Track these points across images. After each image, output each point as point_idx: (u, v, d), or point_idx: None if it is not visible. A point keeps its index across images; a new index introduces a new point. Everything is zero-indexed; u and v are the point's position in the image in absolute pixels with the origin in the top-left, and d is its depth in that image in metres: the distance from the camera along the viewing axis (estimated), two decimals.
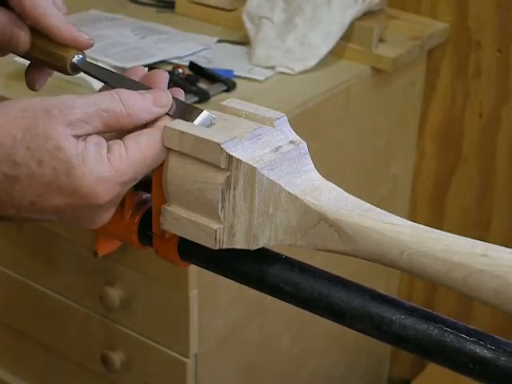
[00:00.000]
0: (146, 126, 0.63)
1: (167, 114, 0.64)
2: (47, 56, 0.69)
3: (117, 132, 0.63)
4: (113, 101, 0.61)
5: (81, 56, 0.68)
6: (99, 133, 0.61)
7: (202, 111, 0.63)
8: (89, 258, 1.49)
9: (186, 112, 0.64)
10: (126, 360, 1.53)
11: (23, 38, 0.69)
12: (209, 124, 0.63)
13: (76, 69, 0.68)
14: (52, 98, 0.61)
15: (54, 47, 0.68)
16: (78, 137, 0.59)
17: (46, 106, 0.59)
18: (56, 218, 0.62)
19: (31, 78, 0.73)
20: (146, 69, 0.68)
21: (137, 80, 0.67)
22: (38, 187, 0.59)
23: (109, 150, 0.60)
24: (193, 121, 0.63)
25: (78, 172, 0.59)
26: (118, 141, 0.61)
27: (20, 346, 1.73)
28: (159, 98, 0.63)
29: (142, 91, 0.63)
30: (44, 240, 1.57)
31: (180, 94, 0.66)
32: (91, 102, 0.60)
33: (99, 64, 0.70)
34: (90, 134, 0.60)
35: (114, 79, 0.67)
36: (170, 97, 0.64)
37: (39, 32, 0.69)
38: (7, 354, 1.77)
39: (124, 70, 1.45)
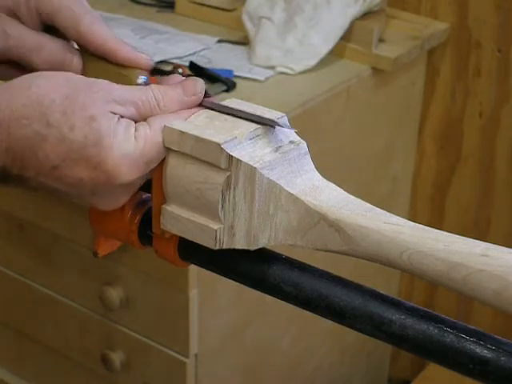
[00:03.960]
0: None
1: (205, 106, 0.65)
2: (109, 78, 0.69)
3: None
4: (147, 94, 0.64)
5: (145, 77, 0.68)
6: (132, 118, 0.63)
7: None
8: (89, 258, 1.49)
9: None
10: (126, 360, 1.53)
11: (76, 63, 0.70)
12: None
13: None
14: (93, 78, 0.63)
15: (115, 69, 0.69)
16: (113, 113, 0.61)
17: (89, 82, 0.62)
18: (74, 190, 0.62)
19: None
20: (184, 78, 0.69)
21: None
22: (65, 151, 0.60)
23: (136, 129, 0.62)
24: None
25: (107, 144, 0.60)
26: (143, 122, 0.63)
27: (20, 346, 1.73)
28: (189, 88, 0.65)
29: (174, 84, 0.66)
30: (44, 240, 1.57)
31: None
32: (129, 92, 0.63)
33: None
34: (123, 117, 0.62)
35: None
36: (201, 85, 0.65)
37: (92, 55, 0.69)
38: (7, 354, 1.77)
39: None
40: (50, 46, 0.69)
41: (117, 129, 0.61)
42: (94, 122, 0.60)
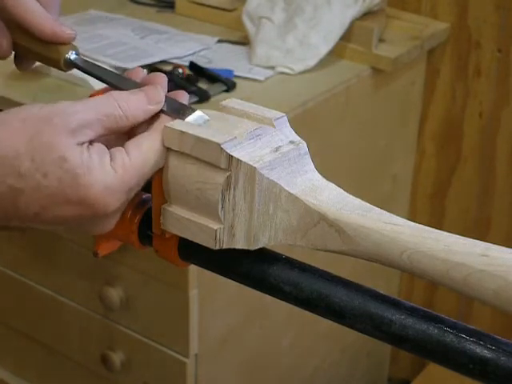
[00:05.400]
0: (144, 128, 0.63)
1: (163, 112, 0.64)
2: (37, 57, 0.70)
3: (115, 134, 0.63)
4: (110, 105, 0.61)
5: (74, 53, 0.69)
6: (100, 136, 0.61)
7: (195, 110, 0.63)
8: (89, 258, 1.49)
9: (178, 111, 0.63)
10: (126, 360, 1.53)
11: (5, 46, 0.70)
12: (201, 123, 0.63)
13: (70, 66, 0.69)
14: (50, 105, 0.60)
15: (42, 47, 0.69)
16: (81, 144, 0.59)
17: (46, 115, 0.59)
18: (61, 227, 0.62)
19: (19, 62, 0.74)
20: (145, 71, 0.68)
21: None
22: (42, 199, 0.59)
23: (112, 158, 0.60)
24: (184, 119, 0.63)
25: (84, 181, 0.59)
26: (120, 148, 0.61)
27: (20, 346, 1.73)
28: (153, 96, 0.63)
29: (134, 90, 0.64)
30: (44, 240, 1.57)
31: (184, 96, 0.66)
32: (91, 108, 0.61)
33: (96, 62, 0.70)
34: (92, 141, 0.60)
35: (109, 76, 0.67)
36: (163, 93, 0.64)
37: (26, 32, 0.69)
38: (7, 354, 1.77)
39: (124, 70, 1.45)
40: None
41: (90, 163, 0.59)
42: (65, 163, 0.58)
